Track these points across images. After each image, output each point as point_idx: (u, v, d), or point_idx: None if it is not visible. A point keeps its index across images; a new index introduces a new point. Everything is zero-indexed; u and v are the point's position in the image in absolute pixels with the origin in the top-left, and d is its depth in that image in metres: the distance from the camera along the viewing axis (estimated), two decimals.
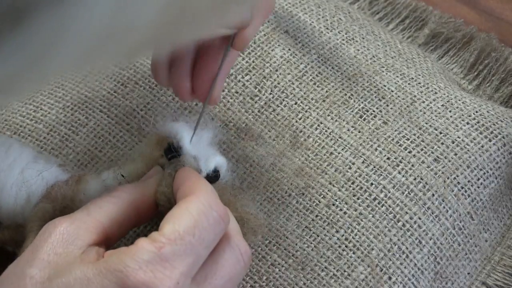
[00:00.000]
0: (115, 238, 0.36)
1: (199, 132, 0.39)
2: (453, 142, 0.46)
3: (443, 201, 0.44)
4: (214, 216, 0.33)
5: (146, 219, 0.38)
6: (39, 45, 0.17)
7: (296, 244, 0.42)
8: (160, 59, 0.39)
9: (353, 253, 0.42)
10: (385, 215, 0.43)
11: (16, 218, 0.39)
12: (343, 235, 0.42)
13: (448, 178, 0.45)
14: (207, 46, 0.38)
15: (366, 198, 0.43)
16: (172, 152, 0.38)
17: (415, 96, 0.49)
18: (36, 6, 0.16)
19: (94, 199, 0.36)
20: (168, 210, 0.37)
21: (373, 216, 0.43)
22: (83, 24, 0.17)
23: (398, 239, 0.42)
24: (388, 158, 0.45)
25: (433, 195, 0.44)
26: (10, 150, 0.40)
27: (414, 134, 0.46)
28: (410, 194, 0.44)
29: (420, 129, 0.47)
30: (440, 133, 0.47)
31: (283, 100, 0.48)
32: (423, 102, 0.48)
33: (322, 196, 0.44)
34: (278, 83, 0.48)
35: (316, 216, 0.43)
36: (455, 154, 0.46)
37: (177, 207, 0.34)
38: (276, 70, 0.49)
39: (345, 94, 0.49)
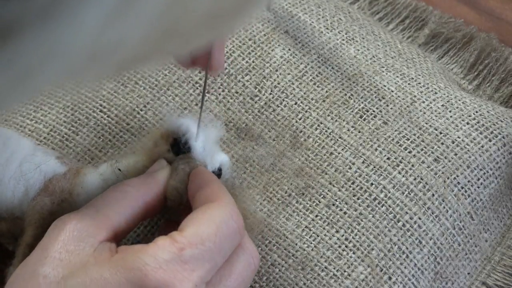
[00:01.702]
0: (123, 234, 0.36)
1: (205, 129, 0.39)
2: (453, 142, 0.46)
3: (443, 201, 0.44)
4: (234, 227, 0.33)
5: (154, 213, 0.38)
6: (26, 63, 0.17)
7: (296, 244, 0.42)
8: None
9: (353, 253, 0.42)
10: (385, 215, 0.43)
11: (14, 211, 0.38)
12: (343, 235, 0.42)
13: (448, 178, 0.45)
14: None
15: (366, 198, 0.43)
16: (179, 147, 0.38)
17: (415, 96, 0.49)
18: (23, 25, 0.16)
19: (101, 195, 0.36)
20: (178, 206, 0.37)
21: (373, 216, 0.43)
22: (71, 42, 0.17)
23: (398, 239, 0.42)
24: (388, 158, 0.45)
25: (433, 195, 0.44)
26: (8, 142, 0.39)
27: (414, 134, 0.46)
28: (410, 194, 0.44)
29: (420, 129, 0.47)
30: (440, 133, 0.46)
31: (283, 100, 0.48)
32: (423, 102, 0.48)
33: (322, 196, 0.43)
34: (278, 83, 0.48)
35: (316, 216, 0.43)
36: (455, 154, 0.46)
37: (200, 212, 0.34)
38: (276, 70, 0.49)
39: (345, 94, 0.48)
